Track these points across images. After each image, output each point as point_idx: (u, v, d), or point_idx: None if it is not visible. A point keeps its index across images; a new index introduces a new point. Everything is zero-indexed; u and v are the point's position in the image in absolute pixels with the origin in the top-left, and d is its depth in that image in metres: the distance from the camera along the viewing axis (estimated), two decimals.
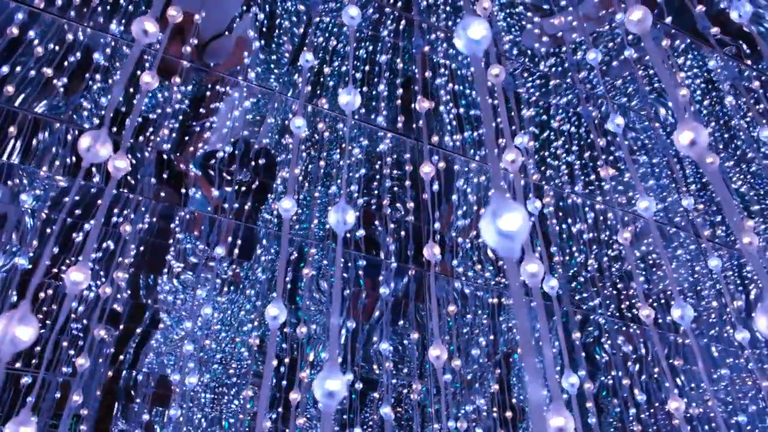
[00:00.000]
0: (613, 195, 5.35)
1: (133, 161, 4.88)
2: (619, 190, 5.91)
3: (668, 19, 4.31)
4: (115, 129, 4.50)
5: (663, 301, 6.48)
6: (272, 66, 5.19)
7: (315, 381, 1.21)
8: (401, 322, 5.60)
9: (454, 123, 5.34)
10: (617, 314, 6.11)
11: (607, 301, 6.06)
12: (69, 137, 4.60)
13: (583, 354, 6.11)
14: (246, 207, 4.97)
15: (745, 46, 4.99)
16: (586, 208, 5.76)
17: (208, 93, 5.27)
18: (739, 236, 1.46)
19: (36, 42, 3.96)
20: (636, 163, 5.95)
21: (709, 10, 4.62)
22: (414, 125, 4.60)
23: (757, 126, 3.46)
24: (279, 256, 5.02)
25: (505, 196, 0.85)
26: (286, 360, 4.94)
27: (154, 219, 5.14)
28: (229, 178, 4.63)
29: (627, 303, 5.97)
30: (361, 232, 4.94)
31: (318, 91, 5.09)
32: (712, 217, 5.28)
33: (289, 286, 5.47)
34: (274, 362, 3.84)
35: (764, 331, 0.99)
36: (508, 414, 4.57)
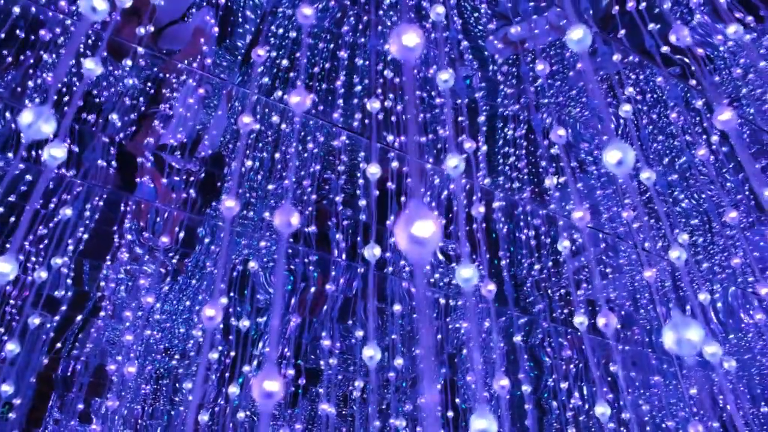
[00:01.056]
0: (561, 203, 5.49)
1: (78, 146, 4.74)
2: (572, 199, 6.06)
3: (622, 32, 4.42)
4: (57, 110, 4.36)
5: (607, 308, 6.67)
6: (230, 56, 5.12)
7: (253, 381, 1.22)
8: (350, 321, 5.62)
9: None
10: (561, 319, 6.27)
11: (553, 305, 6.22)
12: (8, 115, 4.43)
13: (526, 356, 6.25)
14: (195, 197, 4.90)
15: (693, 67, 5.18)
16: (541, 213, 5.89)
17: (162, 80, 5.16)
18: (656, 251, 1.54)
19: None
20: (586, 173, 6.12)
21: (663, 28, 4.77)
22: (366, 121, 4.63)
23: (696, 145, 3.60)
24: (220, 253, 4.96)
25: (420, 202, 0.87)
26: (232, 353, 4.89)
27: (101, 205, 5.01)
28: (178, 167, 4.55)
29: (570, 308, 6.14)
30: (312, 228, 4.93)
31: (276, 83, 5.04)
32: (654, 230, 5.48)
33: (236, 274, 5.42)
34: (215, 355, 3.81)
35: (670, 347, 1.04)
36: (450, 414, 4.64)
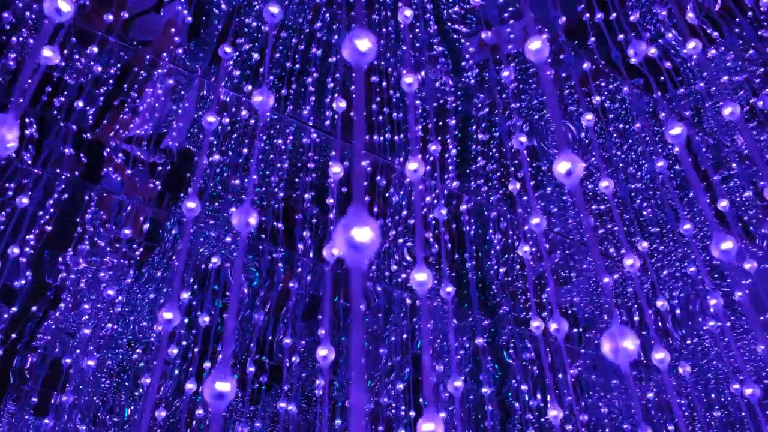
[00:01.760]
0: (529, 206, 5.55)
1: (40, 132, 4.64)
2: (539, 203, 6.13)
3: (592, 39, 4.47)
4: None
5: (569, 312, 6.80)
6: (205, 47, 5.05)
7: (205, 382, 1.21)
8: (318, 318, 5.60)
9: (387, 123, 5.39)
10: (527, 321, 6.35)
11: (519, 308, 6.29)
12: None
13: (491, 358, 6.32)
14: (162, 190, 4.83)
15: (662, 78, 5.29)
16: (509, 216, 5.95)
17: (132, 70, 5.07)
18: (597, 265, 1.58)
19: None
20: (553, 179, 6.20)
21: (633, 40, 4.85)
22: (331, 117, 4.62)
23: (658, 155, 3.68)
24: (180, 252, 4.89)
25: (360, 208, 0.88)
26: (196, 349, 4.83)
27: (64, 194, 4.90)
28: (144, 159, 4.48)
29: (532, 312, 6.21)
30: (279, 225, 4.91)
31: (247, 78, 4.99)
32: (617, 237, 5.60)
33: (204, 268, 5.36)
34: (174, 351, 3.76)
35: (607, 354, 1.07)
36: (412, 414, 4.67)
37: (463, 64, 5.84)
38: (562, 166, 1.26)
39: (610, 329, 1.00)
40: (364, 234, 0.83)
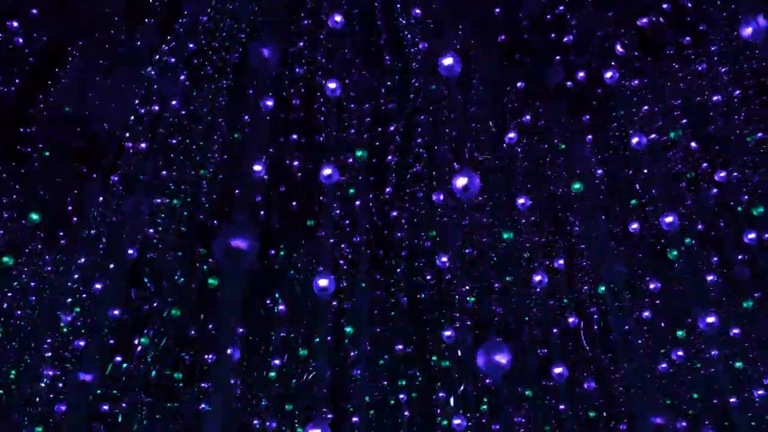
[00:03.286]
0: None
1: None
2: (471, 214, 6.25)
3: (528, 59, 4.60)
4: None
5: (495, 321, 6.97)
6: (138, 32, 4.89)
7: (70, 373, 1.17)
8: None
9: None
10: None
11: (443, 314, 6.38)
12: None
13: (413, 364, 6.38)
14: (83, 174, 4.64)
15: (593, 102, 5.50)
16: (442, 228, 6.03)
17: (63, 49, 4.85)
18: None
19: None
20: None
21: (566, 63, 5.03)
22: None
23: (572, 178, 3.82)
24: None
25: (244, 217, 0.87)
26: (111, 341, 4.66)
27: None
28: (64, 141, 4.30)
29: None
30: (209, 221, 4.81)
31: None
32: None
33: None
34: (82, 343, 3.63)
35: (480, 368, 1.11)
36: (329, 416, 4.65)
37: (413, 66, 5.89)
38: (459, 182, 1.29)
39: (485, 343, 1.04)
40: (243, 242, 0.84)
